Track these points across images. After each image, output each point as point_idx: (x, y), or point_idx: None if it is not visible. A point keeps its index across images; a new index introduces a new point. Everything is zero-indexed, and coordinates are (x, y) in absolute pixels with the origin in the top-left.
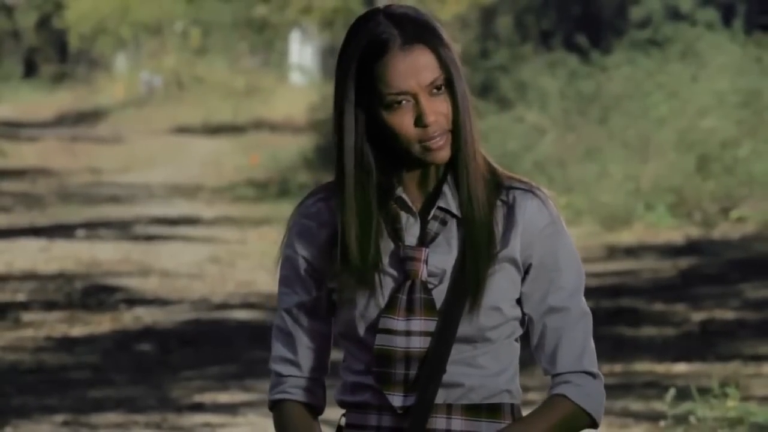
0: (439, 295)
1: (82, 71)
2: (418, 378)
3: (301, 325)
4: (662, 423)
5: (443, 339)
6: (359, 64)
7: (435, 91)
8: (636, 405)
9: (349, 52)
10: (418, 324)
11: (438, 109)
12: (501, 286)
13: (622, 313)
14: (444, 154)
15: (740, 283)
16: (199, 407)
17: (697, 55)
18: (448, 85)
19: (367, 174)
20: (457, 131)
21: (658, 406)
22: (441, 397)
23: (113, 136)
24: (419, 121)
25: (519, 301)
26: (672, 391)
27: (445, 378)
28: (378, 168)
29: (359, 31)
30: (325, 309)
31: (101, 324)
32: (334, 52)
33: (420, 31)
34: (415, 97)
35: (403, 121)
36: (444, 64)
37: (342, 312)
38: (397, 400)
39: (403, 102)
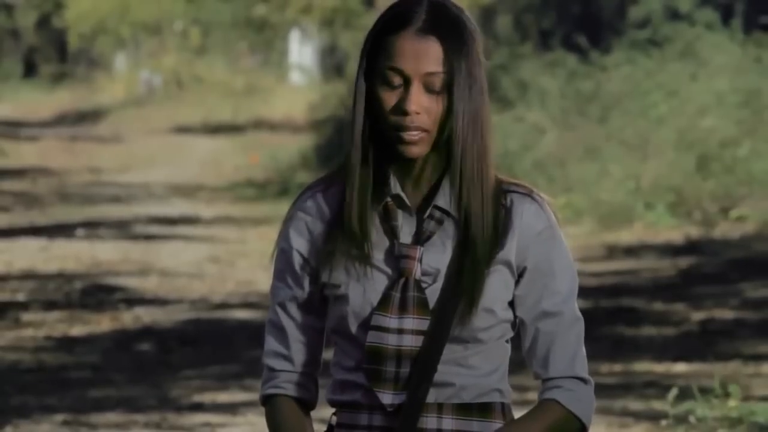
0: (433, 294)
1: (81, 71)
2: (409, 376)
3: (294, 320)
4: (663, 422)
5: (436, 338)
6: (378, 33)
7: (433, 87)
8: (636, 404)
9: (378, 21)
10: (411, 322)
11: (425, 105)
12: (495, 288)
13: (621, 312)
14: (416, 150)
15: (740, 282)
16: (198, 407)
17: (697, 54)
18: (448, 88)
19: (366, 155)
20: (450, 136)
21: (658, 405)
22: (432, 396)
23: (113, 136)
24: (399, 107)
25: (511, 304)
26: (674, 391)
27: (436, 377)
28: (375, 156)
29: (398, 4)
30: (319, 304)
31: (101, 323)
32: (334, 52)
33: (444, 25)
34: (407, 81)
35: (389, 100)
36: (450, 65)
37: (334, 308)
38: (386, 398)
39: (395, 82)
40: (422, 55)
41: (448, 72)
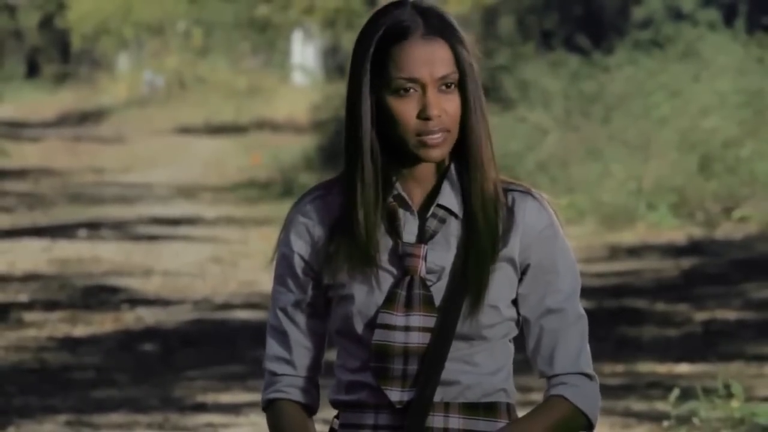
0: (438, 292)
1: (84, 71)
2: (416, 374)
3: (296, 324)
4: (665, 423)
5: (443, 336)
6: (378, 45)
7: (445, 87)
8: (638, 405)
9: (370, 33)
10: (417, 319)
11: (443, 106)
12: (499, 284)
13: (624, 313)
14: (438, 153)
15: (742, 283)
16: (201, 407)
17: (699, 55)
18: (460, 85)
19: (375, 162)
20: (468, 132)
21: (661, 406)
22: (438, 395)
23: (115, 136)
24: (422, 113)
25: (515, 303)
26: (676, 391)
27: (443, 375)
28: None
29: (384, 15)
30: (321, 308)
31: (103, 324)
32: (336, 52)
33: (443, 26)
34: (423, 87)
35: (406, 109)
36: (460, 63)
37: (339, 308)
38: (395, 395)
39: (411, 90)
40: (434, 59)
41: (459, 70)
